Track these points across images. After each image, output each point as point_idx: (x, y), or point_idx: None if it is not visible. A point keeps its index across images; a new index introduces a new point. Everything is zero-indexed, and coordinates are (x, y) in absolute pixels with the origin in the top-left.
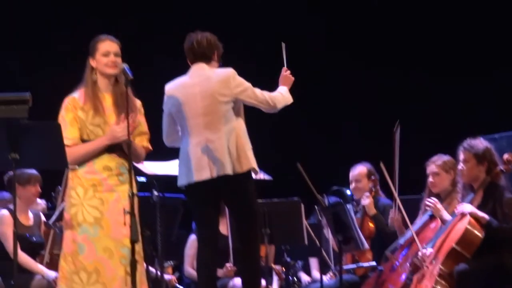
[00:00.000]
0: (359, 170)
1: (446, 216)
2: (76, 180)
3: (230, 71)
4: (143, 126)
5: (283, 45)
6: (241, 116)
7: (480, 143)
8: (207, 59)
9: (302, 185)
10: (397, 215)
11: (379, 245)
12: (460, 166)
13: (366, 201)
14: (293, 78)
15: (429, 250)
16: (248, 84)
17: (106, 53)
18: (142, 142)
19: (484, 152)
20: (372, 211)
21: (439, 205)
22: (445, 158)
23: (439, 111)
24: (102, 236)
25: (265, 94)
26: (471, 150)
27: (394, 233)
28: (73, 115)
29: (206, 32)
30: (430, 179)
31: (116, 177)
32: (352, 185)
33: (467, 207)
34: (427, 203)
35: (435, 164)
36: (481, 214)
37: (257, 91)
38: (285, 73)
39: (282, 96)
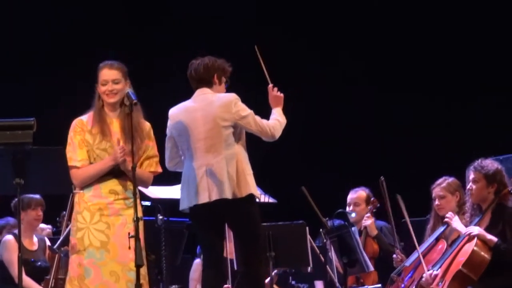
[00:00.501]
0: (359, 194)
1: (462, 228)
2: (83, 204)
3: (232, 96)
4: (152, 149)
5: (256, 48)
6: (242, 141)
7: (491, 164)
8: (207, 84)
9: (307, 208)
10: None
11: (382, 265)
12: (469, 185)
13: (368, 222)
14: (282, 95)
15: (435, 272)
16: (249, 111)
17: (104, 82)
18: (150, 166)
19: (495, 173)
20: (374, 231)
21: (456, 218)
22: (450, 180)
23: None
24: (109, 260)
25: (265, 123)
26: (482, 170)
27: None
28: (81, 138)
29: (206, 56)
30: (437, 202)
31: (122, 201)
32: (350, 208)
33: (475, 229)
34: (447, 216)
35: (440, 187)
36: (489, 236)
37: (257, 119)
38: (273, 92)
39: (279, 123)
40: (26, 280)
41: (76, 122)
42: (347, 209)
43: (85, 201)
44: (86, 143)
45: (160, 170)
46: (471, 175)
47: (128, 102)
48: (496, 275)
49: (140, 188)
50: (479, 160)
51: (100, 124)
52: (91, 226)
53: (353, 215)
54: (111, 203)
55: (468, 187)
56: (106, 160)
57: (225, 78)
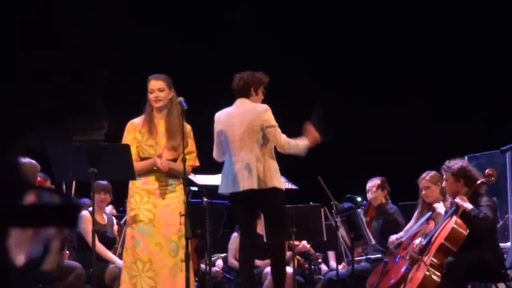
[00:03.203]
0: (374, 182)
1: (469, 205)
2: (134, 189)
3: (264, 107)
4: (191, 147)
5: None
6: (271, 143)
7: (456, 163)
8: (246, 95)
9: (322, 193)
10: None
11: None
12: (443, 183)
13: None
14: (319, 139)
15: (422, 243)
16: (275, 123)
17: (151, 91)
18: (189, 160)
19: (459, 170)
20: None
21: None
22: (432, 173)
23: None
24: (155, 233)
25: (283, 138)
26: (448, 170)
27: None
28: (132, 136)
29: (246, 72)
30: (423, 192)
31: (165, 187)
32: (369, 194)
33: (459, 199)
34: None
35: (424, 180)
36: (466, 205)
37: (279, 132)
38: (315, 133)
39: (297, 146)
40: (99, 246)
41: (129, 124)
42: (367, 195)
43: (136, 187)
44: (136, 141)
45: (197, 163)
46: (443, 175)
47: (180, 108)
48: (472, 248)
49: (190, 176)
50: (447, 161)
51: (148, 124)
52: (141, 206)
53: (359, 199)
54: (156, 189)
55: (442, 184)
56: (150, 162)
57: (262, 89)
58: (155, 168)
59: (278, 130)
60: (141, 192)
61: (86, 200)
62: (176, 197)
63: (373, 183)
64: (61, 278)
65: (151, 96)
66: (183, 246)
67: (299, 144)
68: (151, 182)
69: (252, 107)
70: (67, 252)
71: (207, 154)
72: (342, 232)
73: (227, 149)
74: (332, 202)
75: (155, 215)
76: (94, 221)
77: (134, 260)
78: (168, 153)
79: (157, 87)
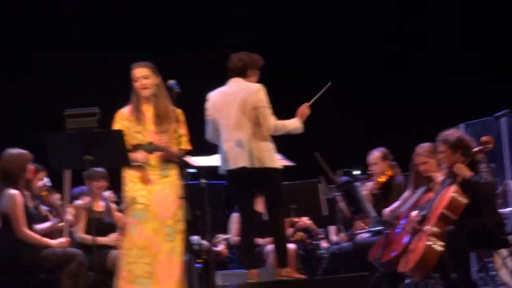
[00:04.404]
0: (374, 154)
1: (468, 173)
2: (128, 176)
3: (257, 86)
4: (183, 130)
5: (329, 84)
6: None
7: (452, 134)
8: (243, 75)
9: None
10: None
11: None
12: (440, 156)
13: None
14: (308, 113)
15: (421, 213)
16: (265, 104)
17: (136, 79)
18: (181, 144)
19: (456, 141)
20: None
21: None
22: (426, 146)
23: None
24: (150, 219)
25: (271, 120)
26: (445, 142)
27: None
28: (121, 125)
29: (243, 52)
30: (421, 167)
31: (158, 173)
32: (371, 167)
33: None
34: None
35: (420, 156)
36: (466, 173)
37: (268, 113)
38: (305, 109)
39: (284, 127)
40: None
41: (117, 114)
42: (371, 168)
43: (130, 174)
44: (125, 128)
45: (190, 147)
46: (439, 147)
47: (170, 91)
48: (472, 216)
49: (186, 159)
50: (442, 133)
51: (136, 112)
52: (135, 193)
53: (357, 172)
54: (149, 175)
55: (439, 157)
56: (139, 157)
57: (257, 71)
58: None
59: (268, 111)
60: (134, 179)
61: (84, 188)
62: (170, 181)
63: (373, 156)
64: (62, 266)
65: (137, 85)
66: (179, 231)
67: (286, 125)
68: (143, 168)
69: (246, 86)
70: (69, 239)
71: (200, 136)
72: (342, 206)
73: (220, 128)
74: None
75: (150, 201)
76: (92, 209)
77: (131, 247)
78: (157, 138)
79: (142, 75)
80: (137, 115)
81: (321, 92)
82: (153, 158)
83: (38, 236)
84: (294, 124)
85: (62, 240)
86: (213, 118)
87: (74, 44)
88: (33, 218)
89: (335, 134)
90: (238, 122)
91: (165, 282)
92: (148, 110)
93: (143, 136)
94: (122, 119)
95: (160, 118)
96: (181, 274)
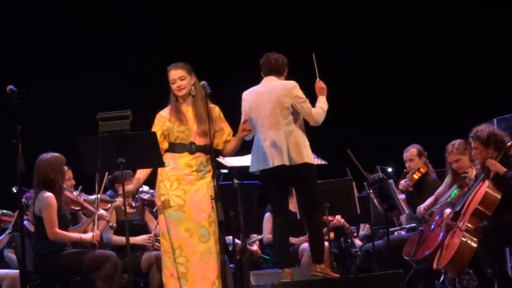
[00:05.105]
0: (410, 151)
1: (502, 169)
2: (164, 175)
3: (292, 83)
4: (227, 128)
5: (314, 56)
6: (300, 119)
7: (484, 129)
8: (278, 74)
9: (353, 165)
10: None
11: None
12: (473, 152)
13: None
14: (325, 87)
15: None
16: (304, 98)
17: (172, 81)
18: (229, 140)
19: (489, 137)
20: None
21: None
22: (456, 144)
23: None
24: (184, 219)
25: (313, 111)
26: (477, 138)
27: None
28: (160, 126)
29: (274, 52)
30: (455, 165)
31: (195, 173)
32: (407, 164)
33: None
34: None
35: (452, 154)
36: (499, 168)
37: (309, 106)
38: (319, 84)
39: (322, 110)
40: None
41: (157, 116)
42: (407, 164)
43: (166, 173)
44: (166, 128)
45: None
46: (472, 144)
47: (203, 92)
48: (506, 211)
49: (219, 159)
50: (474, 129)
51: (176, 113)
52: (170, 192)
53: (389, 169)
54: (186, 175)
55: (472, 153)
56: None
57: (287, 69)
58: (185, 154)
59: (309, 105)
60: (171, 178)
61: (110, 192)
62: (206, 183)
63: (410, 152)
64: (96, 268)
65: (173, 86)
66: (214, 232)
67: (323, 107)
68: (181, 168)
69: (280, 84)
70: (98, 233)
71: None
72: (375, 203)
73: (255, 127)
74: (363, 175)
75: (185, 201)
76: (126, 211)
77: (168, 247)
78: (200, 139)
79: (178, 76)
80: (178, 116)
81: (316, 65)
82: (193, 159)
83: (69, 234)
84: (325, 103)
85: (93, 233)
86: (249, 118)
87: None
88: (66, 221)
89: (365, 131)
90: (274, 121)
91: (200, 283)
92: (187, 110)
93: (187, 136)
94: (163, 121)
95: (201, 118)
96: (216, 275)
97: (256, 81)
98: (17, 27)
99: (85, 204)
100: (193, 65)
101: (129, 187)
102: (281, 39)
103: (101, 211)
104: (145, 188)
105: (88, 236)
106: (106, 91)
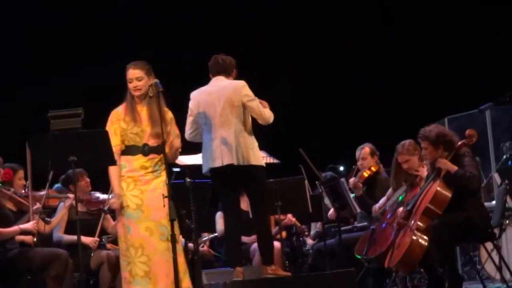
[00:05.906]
0: (364, 149)
1: (453, 167)
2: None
3: (241, 82)
4: (175, 130)
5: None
6: (249, 120)
7: (431, 130)
8: (227, 74)
9: (305, 164)
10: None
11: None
12: (423, 152)
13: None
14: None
15: (407, 209)
16: (254, 96)
17: (129, 80)
18: (176, 145)
19: (437, 137)
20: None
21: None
22: (406, 144)
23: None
24: (144, 218)
25: (265, 111)
26: (426, 138)
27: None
28: (117, 126)
29: (222, 54)
30: (405, 166)
31: (151, 173)
32: (359, 162)
33: (443, 162)
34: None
35: (402, 155)
36: (450, 167)
37: (260, 105)
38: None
39: (271, 114)
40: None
41: (112, 113)
42: (358, 163)
43: (122, 175)
44: (120, 129)
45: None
46: (421, 144)
47: (155, 90)
48: (457, 210)
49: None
50: (422, 129)
51: (131, 113)
52: (127, 193)
53: (341, 168)
54: (142, 175)
55: (422, 153)
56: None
57: (235, 69)
58: (140, 156)
59: (258, 103)
60: (127, 180)
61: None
62: (162, 181)
63: (363, 151)
64: (47, 266)
65: (130, 86)
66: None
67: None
68: (137, 169)
69: (229, 83)
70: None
71: (182, 135)
72: (326, 202)
73: (204, 127)
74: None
75: (142, 201)
76: (77, 210)
77: (127, 247)
78: (153, 140)
79: (135, 76)
80: (133, 116)
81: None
82: (148, 160)
83: (6, 229)
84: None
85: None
86: (196, 117)
87: None
88: (6, 218)
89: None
90: (225, 120)
91: (162, 281)
92: (142, 110)
93: (140, 138)
94: (118, 120)
95: (155, 120)
96: (178, 272)
97: (254, 79)
98: (17, 28)
99: (22, 200)
100: (193, 65)
101: (115, 205)
102: (281, 39)
103: (37, 205)
104: (102, 196)
105: (27, 225)
106: (106, 91)
